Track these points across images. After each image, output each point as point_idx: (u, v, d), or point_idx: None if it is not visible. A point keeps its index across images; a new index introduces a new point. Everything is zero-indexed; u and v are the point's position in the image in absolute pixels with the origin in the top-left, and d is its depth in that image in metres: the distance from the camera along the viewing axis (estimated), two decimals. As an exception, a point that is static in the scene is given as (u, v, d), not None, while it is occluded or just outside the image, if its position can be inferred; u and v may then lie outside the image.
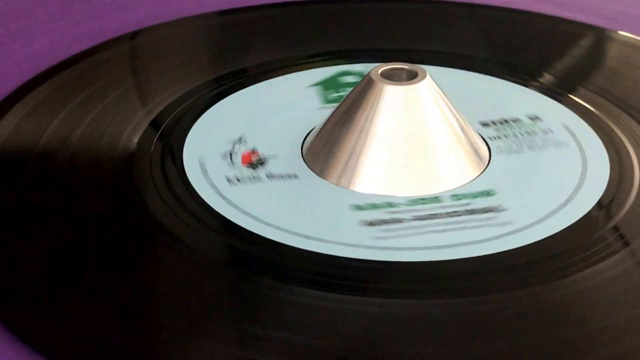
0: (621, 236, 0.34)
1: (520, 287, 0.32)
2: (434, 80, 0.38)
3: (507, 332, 0.30)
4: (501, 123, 0.41)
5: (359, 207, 0.35)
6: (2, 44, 0.48)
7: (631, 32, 0.50)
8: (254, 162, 0.38)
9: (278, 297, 0.31)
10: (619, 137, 0.40)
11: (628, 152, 0.39)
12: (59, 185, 0.36)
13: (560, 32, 0.50)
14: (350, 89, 0.39)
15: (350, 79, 0.44)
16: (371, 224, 0.35)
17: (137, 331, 0.30)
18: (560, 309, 0.31)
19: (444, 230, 0.34)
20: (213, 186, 0.36)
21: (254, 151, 0.39)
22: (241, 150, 0.39)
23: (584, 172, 0.38)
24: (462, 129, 0.38)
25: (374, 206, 0.35)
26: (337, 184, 0.37)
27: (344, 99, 0.38)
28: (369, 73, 0.38)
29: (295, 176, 0.37)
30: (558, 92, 0.44)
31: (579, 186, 0.37)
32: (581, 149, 0.39)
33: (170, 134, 0.40)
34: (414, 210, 0.35)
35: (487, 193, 0.37)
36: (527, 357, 0.29)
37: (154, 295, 0.32)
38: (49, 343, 0.29)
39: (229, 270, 0.33)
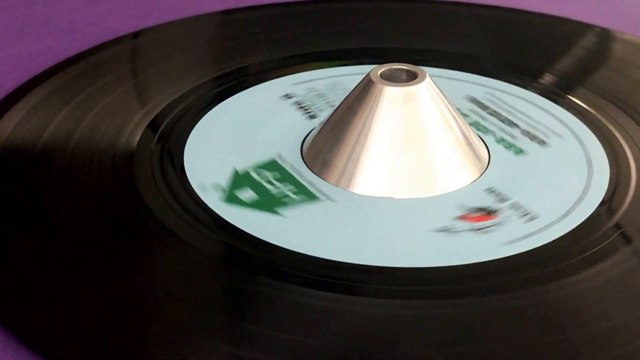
0: (622, 236, 0.34)
1: (520, 288, 0.32)
2: (433, 81, 0.38)
3: (507, 334, 0.30)
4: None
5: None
6: (2, 43, 0.48)
7: (631, 33, 0.49)
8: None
9: (274, 296, 0.31)
10: (618, 139, 0.40)
11: (626, 154, 0.39)
12: (59, 185, 0.36)
13: (560, 32, 0.50)
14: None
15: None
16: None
17: (136, 329, 0.30)
18: (561, 310, 0.31)
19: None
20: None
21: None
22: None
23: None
24: (462, 130, 0.38)
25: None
26: (337, 185, 0.37)
27: (344, 100, 0.38)
28: (368, 74, 0.38)
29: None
30: (557, 93, 0.44)
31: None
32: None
33: (170, 134, 0.40)
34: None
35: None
36: (529, 358, 0.29)
37: (153, 294, 0.32)
38: (46, 342, 0.29)
39: (228, 268, 0.33)
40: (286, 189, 0.36)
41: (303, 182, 0.37)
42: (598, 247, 0.33)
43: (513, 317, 0.31)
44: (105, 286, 0.32)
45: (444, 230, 0.34)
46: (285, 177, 0.37)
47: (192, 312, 0.31)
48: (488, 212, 0.35)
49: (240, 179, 0.37)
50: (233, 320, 0.31)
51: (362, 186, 0.36)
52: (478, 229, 0.34)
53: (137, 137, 0.39)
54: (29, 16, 0.51)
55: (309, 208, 0.35)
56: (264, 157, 0.38)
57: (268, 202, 0.36)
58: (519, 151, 0.39)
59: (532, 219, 0.35)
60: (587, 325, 0.30)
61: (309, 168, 0.38)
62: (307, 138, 0.39)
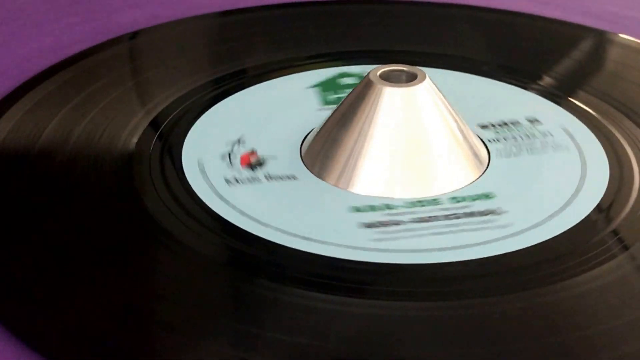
0: (620, 240, 0.34)
1: (519, 290, 0.32)
2: (433, 82, 0.38)
3: (504, 336, 0.30)
4: (500, 126, 0.41)
5: (357, 209, 0.35)
6: (2, 43, 0.48)
7: (631, 35, 0.49)
8: (253, 163, 0.38)
9: (275, 298, 0.31)
10: (619, 141, 0.40)
11: (628, 156, 0.39)
12: (58, 185, 0.36)
13: (560, 35, 0.50)
14: (349, 91, 0.39)
15: (349, 80, 0.44)
16: (369, 225, 0.35)
17: (135, 331, 0.30)
18: (558, 313, 0.31)
19: (442, 233, 0.34)
20: (212, 187, 0.36)
21: (252, 152, 0.39)
22: (240, 151, 0.39)
23: (583, 175, 0.38)
24: (461, 131, 0.38)
25: (372, 208, 0.35)
26: (336, 185, 0.37)
27: (343, 101, 0.38)
28: (367, 75, 0.38)
29: (294, 177, 0.37)
30: (557, 95, 0.44)
31: (578, 190, 0.37)
32: (580, 152, 0.39)
33: (169, 135, 0.40)
34: (412, 213, 0.35)
35: (486, 196, 0.36)
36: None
37: (151, 295, 0.32)
38: (47, 342, 0.29)
39: (227, 270, 0.33)
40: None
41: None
42: (598, 250, 0.33)
43: (509, 319, 0.31)
44: (105, 287, 0.32)
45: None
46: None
47: (190, 313, 0.31)
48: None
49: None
50: (232, 321, 0.31)
51: (361, 186, 0.36)
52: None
53: (137, 138, 0.39)
54: (28, 16, 0.51)
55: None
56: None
57: None
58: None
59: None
60: (583, 329, 0.30)
61: (308, 168, 0.38)
62: (307, 138, 0.39)
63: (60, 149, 0.38)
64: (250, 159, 0.38)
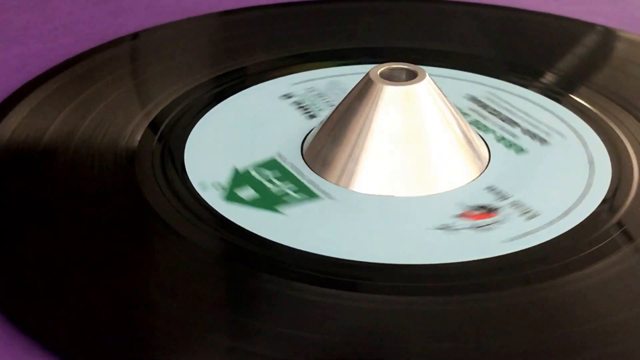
0: (623, 234, 0.34)
1: (522, 285, 0.32)
2: (433, 80, 0.38)
3: (508, 331, 0.30)
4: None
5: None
6: (3, 44, 0.48)
7: (634, 31, 0.49)
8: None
9: (276, 293, 0.31)
10: (620, 138, 0.40)
11: (628, 152, 0.39)
12: (61, 185, 0.37)
13: (561, 31, 0.50)
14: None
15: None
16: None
17: (138, 325, 0.30)
18: (562, 307, 0.31)
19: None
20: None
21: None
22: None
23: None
24: (462, 129, 0.38)
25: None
26: (337, 184, 0.37)
27: (344, 99, 0.38)
28: (368, 73, 0.38)
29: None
30: (559, 92, 0.43)
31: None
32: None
33: (171, 134, 0.40)
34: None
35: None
36: (530, 355, 0.29)
37: (155, 291, 0.32)
38: (50, 337, 0.30)
39: (229, 266, 0.33)
40: (286, 188, 0.36)
41: (303, 181, 0.37)
42: (599, 245, 0.33)
43: (514, 314, 0.31)
44: (108, 284, 0.32)
45: (444, 228, 0.34)
46: (286, 175, 0.37)
47: (193, 310, 0.31)
48: (488, 210, 0.35)
49: (240, 178, 0.37)
50: (234, 317, 0.31)
51: (362, 185, 0.36)
52: (478, 227, 0.34)
53: (138, 137, 0.39)
54: (29, 17, 0.51)
55: (310, 206, 0.35)
56: (264, 155, 0.38)
57: (268, 200, 0.36)
58: (520, 150, 0.39)
59: (532, 217, 0.35)
60: (587, 323, 0.30)
61: (309, 167, 0.38)
62: (308, 137, 0.39)
63: (63, 149, 0.38)
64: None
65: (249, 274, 0.32)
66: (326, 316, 0.30)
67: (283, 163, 0.38)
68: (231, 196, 0.36)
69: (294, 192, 0.36)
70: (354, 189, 0.36)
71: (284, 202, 0.36)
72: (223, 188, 0.36)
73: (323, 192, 0.36)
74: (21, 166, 0.38)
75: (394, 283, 0.32)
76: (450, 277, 0.32)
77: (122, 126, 0.40)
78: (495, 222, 0.35)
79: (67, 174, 0.37)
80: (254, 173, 0.37)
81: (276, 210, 0.35)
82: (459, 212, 0.35)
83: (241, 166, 0.38)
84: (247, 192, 0.36)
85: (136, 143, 0.39)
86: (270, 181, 0.37)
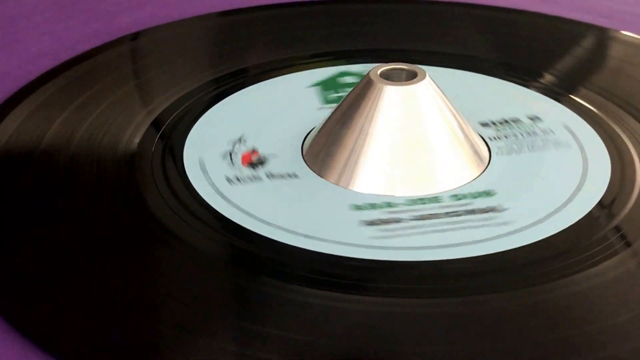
0: (622, 237, 0.34)
1: (520, 287, 0.32)
2: (433, 80, 0.38)
3: (506, 333, 0.30)
4: (501, 123, 0.41)
5: (358, 207, 0.36)
6: (4, 44, 0.48)
7: (632, 32, 0.49)
8: (254, 161, 0.38)
9: (277, 296, 0.31)
10: (621, 137, 0.40)
11: (630, 152, 0.39)
12: (61, 185, 0.37)
13: (560, 32, 0.50)
14: (350, 89, 0.39)
15: (350, 79, 0.44)
16: (370, 223, 0.35)
17: (137, 329, 0.30)
18: (560, 310, 0.31)
19: (443, 230, 0.34)
20: (213, 186, 0.37)
21: (254, 151, 0.39)
22: (241, 150, 0.39)
23: (584, 172, 0.38)
24: (462, 129, 0.38)
25: (373, 206, 0.36)
26: (337, 184, 0.37)
27: (344, 99, 0.39)
28: (368, 73, 0.38)
29: (295, 176, 0.37)
30: (558, 92, 0.44)
31: (579, 187, 0.37)
32: (582, 149, 0.39)
33: (171, 134, 0.40)
34: (413, 210, 0.35)
35: (487, 193, 0.36)
36: (527, 358, 0.29)
37: (154, 293, 0.32)
38: (50, 340, 0.30)
39: (229, 268, 0.33)
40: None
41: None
42: (598, 248, 0.33)
43: (511, 316, 0.31)
44: (108, 286, 0.32)
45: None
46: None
47: (192, 310, 0.31)
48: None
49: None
50: (234, 319, 0.31)
51: (362, 185, 0.36)
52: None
53: (139, 138, 0.39)
54: (29, 18, 0.51)
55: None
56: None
57: None
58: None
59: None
60: (585, 325, 0.30)
61: (309, 167, 0.38)
62: (308, 137, 0.39)
63: (64, 150, 0.38)
64: (251, 157, 0.38)
65: (251, 276, 0.32)
66: (328, 319, 0.30)
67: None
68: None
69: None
70: (354, 189, 0.36)
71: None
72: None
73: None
74: (22, 166, 0.38)
75: (391, 285, 0.32)
76: (448, 278, 0.32)
77: (123, 127, 0.40)
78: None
79: (67, 175, 0.37)
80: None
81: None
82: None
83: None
84: None
85: (137, 144, 0.39)
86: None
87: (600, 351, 0.29)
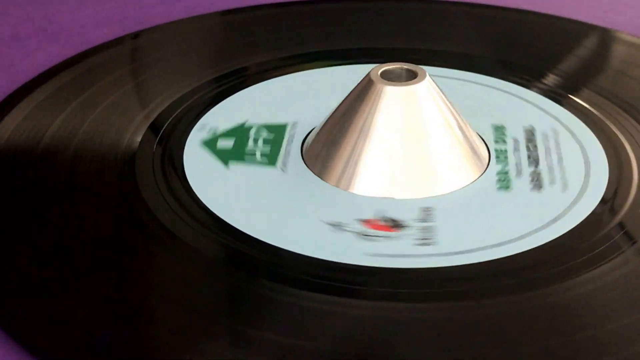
0: (622, 237, 0.34)
1: (523, 291, 0.32)
2: (433, 80, 0.38)
3: (510, 336, 0.30)
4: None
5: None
6: (3, 44, 0.48)
7: (633, 33, 0.49)
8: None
9: (275, 299, 0.31)
10: (619, 139, 0.40)
11: (627, 154, 0.39)
12: (61, 186, 0.37)
13: (561, 32, 0.50)
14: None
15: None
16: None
17: (136, 330, 0.30)
18: (564, 312, 0.31)
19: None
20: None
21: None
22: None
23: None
24: (462, 129, 0.38)
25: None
26: (337, 186, 0.37)
27: (344, 100, 0.38)
28: (368, 73, 0.38)
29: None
30: (559, 93, 0.43)
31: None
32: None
33: (171, 135, 0.40)
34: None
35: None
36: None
37: (153, 295, 0.32)
38: (46, 343, 0.30)
39: (227, 270, 0.33)
40: (260, 149, 0.37)
41: (281, 150, 0.38)
42: (600, 249, 0.33)
43: (515, 319, 0.31)
44: (106, 287, 0.32)
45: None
46: (274, 141, 0.38)
47: (190, 312, 0.31)
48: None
49: (237, 130, 0.38)
50: (232, 321, 0.31)
51: (362, 186, 0.36)
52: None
53: (139, 138, 0.39)
54: (29, 17, 0.51)
55: (258, 171, 0.37)
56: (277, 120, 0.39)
57: (231, 154, 0.37)
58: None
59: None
60: (590, 328, 0.30)
61: (309, 168, 0.38)
62: (307, 138, 0.39)
63: (63, 150, 0.38)
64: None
65: (248, 279, 0.32)
66: (322, 322, 0.30)
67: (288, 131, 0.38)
68: (209, 143, 0.37)
69: (262, 154, 0.37)
70: (354, 191, 0.36)
71: (240, 159, 0.37)
72: (214, 133, 0.37)
73: (285, 164, 0.37)
74: (21, 166, 0.38)
75: (390, 289, 0.32)
76: (452, 282, 0.32)
77: (123, 127, 0.40)
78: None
79: (66, 175, 0.37)
80: (253, 130, 0.38)
81: (225, 164, 0.36)
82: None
83: (249, 122, 0.39)
84: (226, 143, 0.37)
85: (136, 144, 0.39)
86: (255, 140, 0.37)
87: (605, 355, 0.29)
